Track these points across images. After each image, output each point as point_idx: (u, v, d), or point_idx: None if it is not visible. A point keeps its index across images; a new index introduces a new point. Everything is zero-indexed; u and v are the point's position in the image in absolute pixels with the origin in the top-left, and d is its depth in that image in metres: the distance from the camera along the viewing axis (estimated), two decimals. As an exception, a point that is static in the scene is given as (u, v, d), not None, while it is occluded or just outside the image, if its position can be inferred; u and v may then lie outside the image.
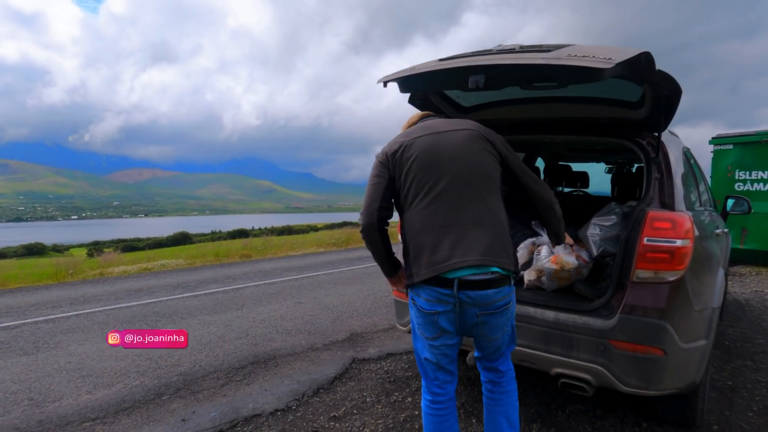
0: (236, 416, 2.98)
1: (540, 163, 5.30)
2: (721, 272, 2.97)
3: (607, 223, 2.77)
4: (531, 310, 2.58)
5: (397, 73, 2.32)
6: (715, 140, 8.67)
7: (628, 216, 2.56)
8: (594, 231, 2.78)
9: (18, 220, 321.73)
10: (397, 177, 2.01)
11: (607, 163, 5.96)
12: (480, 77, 2.08)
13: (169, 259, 12.20)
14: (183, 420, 2.94)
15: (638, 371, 2.31)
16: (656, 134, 2.68)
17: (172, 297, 6.53)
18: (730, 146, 8.42)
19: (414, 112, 2.99)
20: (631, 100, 2.71)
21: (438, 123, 2.14)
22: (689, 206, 2.66)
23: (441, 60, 2.26)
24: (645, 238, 2.31)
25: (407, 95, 2.97)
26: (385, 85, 2.36)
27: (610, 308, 2.39)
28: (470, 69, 2.11)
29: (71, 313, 5.61)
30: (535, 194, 2.11)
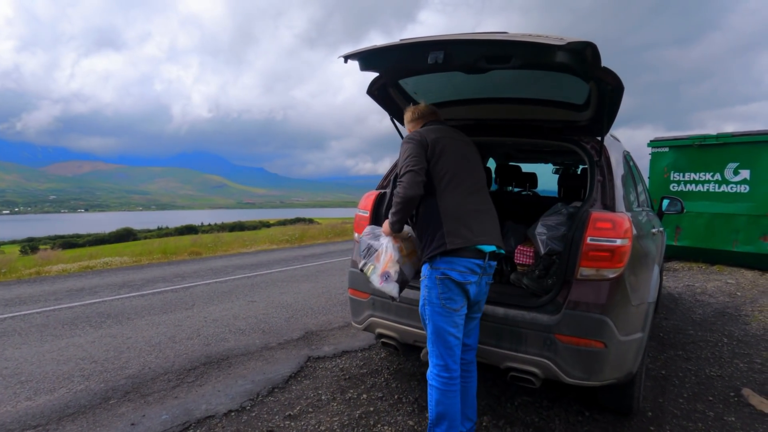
0: (188, 418, 2.92)
1: (491, 164, 5.46)
2: (656, 269, 3.18)
3: (554, 223, 2.90)
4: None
5: (359, 49, 2.40)
6: (653, 143, 9.18)
7: (573, 216, 2.69)
8: (541, 230, 2.90)
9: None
10: (433, 163, 2.38)
11: (554, 165, 6.21)
12: (439, 53, 2.22)
13: (112, 257, 11.68)
14: (132, 424, 2.85)
15: (581, 363, 2.44)
16: (599, 138, 2.84)
17: (118, 297, 6.27)
18: (666, 149, 8.94)
19: (372, 104, 3.07)
20: (578, 103, 2.86)
21: (454, 130, 2.63)
22: (628, 207, 2.83)
23: (402, 39, 2.33)
24: (588, 238, 2.45)
25: (365, 91, 3.04)
26: (345, 61, 2.45)
27: (555, 304, 2.52)
28: (430, 45, 2.23)
29: (6, 315, 5.29)
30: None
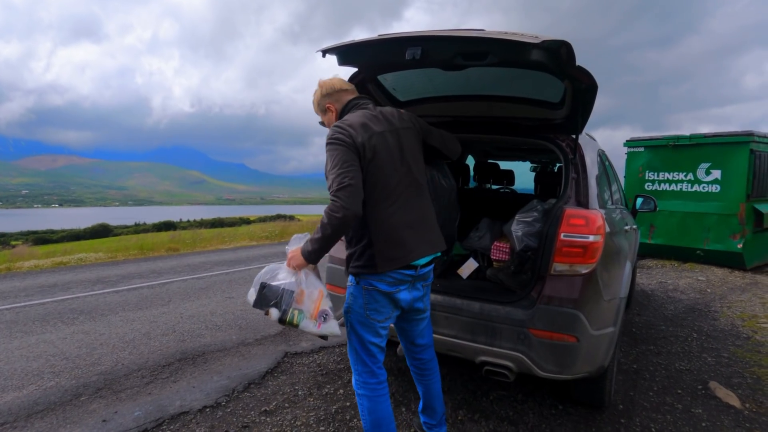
0: (162, 414, 2.88)
1: (470, 161, 5.50)
2: (628, 265, 3.24)
3: (529, 219, 2.93)
4: (458, 302, 2.70)
5: (337, 44, 2.38)
6: (629, 143, 9.35)
7: (548, 213, 2.73)
8: (517, 227, 2.93)
9: None
10: (365, 170, 2.04)
11: (532, 163, 6.28)
12: (417, 49, 2.21)
13: (87, 253, 11.44)
14: (104, 421, 2.81)
15: (554, 357, 2.48)
16: (574, 137, 2.89)
17: (92, 293, 6.15)
18: (642, 149, 9.12)
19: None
20: (553, 101, 2.90)
21: (390, 114, 2.26)
22: (602, 204, 2.88)
23: (381, 35, 2.33)
24: (562, 234, 2.48)
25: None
26: (324, 55, 2.41)
27: (530, 299, 2.56)
28: (408, 41, 2.23)
29: (-26, 312, 5.15)
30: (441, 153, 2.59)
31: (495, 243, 3.27)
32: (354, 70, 2.91)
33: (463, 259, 3.35)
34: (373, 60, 2.70)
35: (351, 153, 2.00)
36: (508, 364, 2.57)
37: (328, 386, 3.29)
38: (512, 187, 4.91)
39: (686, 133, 8.49)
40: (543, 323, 2.48)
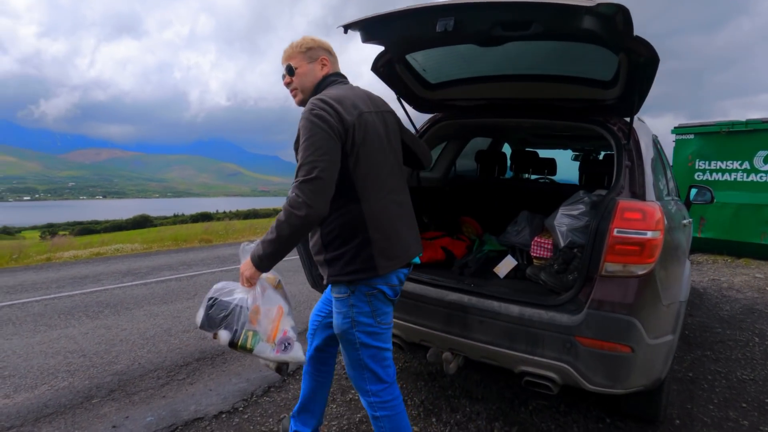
0: (175, 420, 2.72)
1: (507, 149, 5.17)
2: (687, 264, 2.89)
3: (576, 212, 2.63)
4: (495, 305, 2.41)
5: (360, 18, 2.14)
6: (677, 130, 8.78)
7: (597, 205, 2.42)
8: (562, 220, 2.63)
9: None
10: (354, 157, 1.77)
11: (573, 150, 5.88)
12: (449, 20, 1.94)
13: (124, 244, 11.67)
14: (114, 426, 2.66)
15: (605, 369, 2.18)
16: (627, 119, 2.55)
17: (120, 285, 6.14)
18: (692, 136, 8.54)
19: (390, 90, 2.80)
20: (604, 79, 2.57)
21: (375, 97, 2.03)
22: (659, 196, 2.54)
23: (408, 6, 2.08)
24: (615, 229, 2.16)
25: (380, 77, 2.79)
26: (345, 31, 2.18)
27: (577, 303, 2.25)
28: (439, 10, 1.96)
29: (4, 303, 5.18)
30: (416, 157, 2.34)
31: (535, 238, 2.97)
32: (380, 49, 2.64)
33: (500, 256, 3.05)
34: (400, 35, 2.42)
35: (332, 139, 1.68)
36: (551, 375, 2.28)
37: (353, 392, 3.08)
38: (552, 178, 4.56)
39: (734, 119, 7.87)
40: (592, 331, 2.17)
